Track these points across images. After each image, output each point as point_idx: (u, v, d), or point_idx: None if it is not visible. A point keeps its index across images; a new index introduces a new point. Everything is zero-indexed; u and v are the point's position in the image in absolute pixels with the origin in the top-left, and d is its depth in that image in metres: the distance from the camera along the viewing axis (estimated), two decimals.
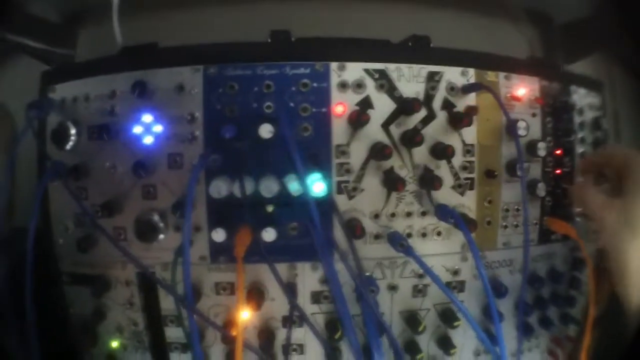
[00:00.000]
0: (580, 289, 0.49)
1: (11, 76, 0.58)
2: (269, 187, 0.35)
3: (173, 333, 0.40)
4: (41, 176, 0.41)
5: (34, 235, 0.37)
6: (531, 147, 0.42)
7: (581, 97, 0.49)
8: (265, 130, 0.35)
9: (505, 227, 0.42)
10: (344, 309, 0.35)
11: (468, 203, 0.40)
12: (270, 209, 0.36)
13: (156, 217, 0.37)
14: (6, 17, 0.42)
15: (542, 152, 0.42)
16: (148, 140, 0.38)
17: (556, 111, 0.45)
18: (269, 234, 0.36)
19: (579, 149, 0.48)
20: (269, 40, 0.39)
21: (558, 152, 0.45)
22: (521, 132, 0.41)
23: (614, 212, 0.35)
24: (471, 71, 0.40)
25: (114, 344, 0.42)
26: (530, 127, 0.41)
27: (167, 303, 0.40)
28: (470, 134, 0.40)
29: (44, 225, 0.42)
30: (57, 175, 0.37)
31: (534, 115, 0.43)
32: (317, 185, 0.35)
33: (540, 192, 0.42)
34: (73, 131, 0.39)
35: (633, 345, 0.37)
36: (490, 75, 0.41)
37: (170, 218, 0.38)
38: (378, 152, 0.36)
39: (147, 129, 0.37)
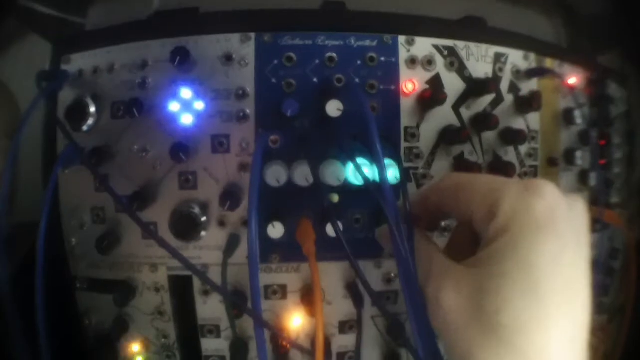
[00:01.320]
0: (614, 277, 0.45)
1: (15, 56, 0.47)
2: (335, 174, 0.28)
3: (211, 345, 0.31)
4: (48, 163, 0.32)
5: (44, 233, 0.27)
6: (584, 136, 0.38)
7: (614, 90, 0.45)
8: (334, 108, 0.27)
9: None
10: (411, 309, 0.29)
11: None
12: (335, 198, 0.29)
13: (197, 210, 0.28)
14: None
15: (594, 141, 0.38)
16: (187, 119, 0.29)
17: (599, 102, 0.41)
18: (332, 229, 0.28)
19: (615, 140, 0.44)
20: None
21: (602, 142, 0.41)
22: (578, 120, 0.36)
23: (457, 291, 0.18)
24: (532, 56, 0.35)
25: (139, 359, 0.33)
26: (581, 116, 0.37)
27: (205, 311, 0.31)
28: (534, 119, 0.34)
29: (51, 222, 0.32)
30: (75, 158, 0.27)
31: (582, 105, 0.39)
32: (390, 172, 0.28)
33: (592, 182, 0.38)
34: (92, 109, 0.29)
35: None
36: (548, 62, 0.36)
37: (213, 211, 0.29)
38: (452, 135, 0.30)
39: (186, 105, 0.29)
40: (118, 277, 0.31)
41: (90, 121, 0.29)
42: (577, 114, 0.36)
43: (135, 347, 0.32)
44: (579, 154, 0.36)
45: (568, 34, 0.51)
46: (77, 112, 0.29)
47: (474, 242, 0.20)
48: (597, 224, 0.40)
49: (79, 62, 0.31)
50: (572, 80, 0.38)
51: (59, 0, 0.33)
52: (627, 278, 0.41)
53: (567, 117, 0.36)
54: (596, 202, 0.39)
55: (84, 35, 0.34)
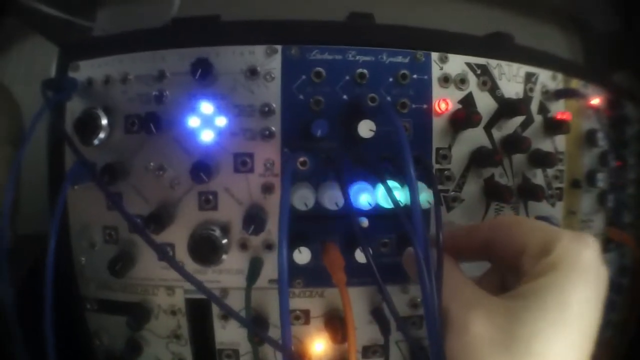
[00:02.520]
0: (622, 294, 0.43)
1: (17, 57, 0.42)
2: (365, 198, 0.24)
3: None
4: (54, 177, 0.27)
5: (54, 253, 0.23)
6: (603, 157, 0.35)
7: (630, 110, 0.43)
8: (366, 128, 0.23)
9: None
10: (434, 336, 0.25)
11: (557, 214, 0.31)
12: (365, 223, 0.25)
13: (218, 233, 0.25)
14: None
15: (612, 163, 0.35)
16: (207, 136, 0.25)
17: (616, 122, 0.38)
18: (360, 254, 0.25)
19: (630, 161, 0.42)
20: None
21: (618, 163, 0.39)
22: (601, 141, 0.34)
23: (489, 319, 0.17)
24: (559, 76, 0.32)
25: None
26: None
27: (223, 335, 0.27)
28: (560, 141, 0.31)
29: (59, 240, 0.28)
30: (85, 176, 0.23)
31: (602, 126, 0.36)
32: (422, 196, 0.25)
33: (610, 203, 0.36)
34: (104, 121, 0.25)
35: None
36: (574, 83, 0.33)
37: (233, 234, 0.26)
38: (484, 157, 0.26)
39: (207, 121, 0.25)
40: (131, 299, 0.27)
41: (102, 135, 0.25)
42: (600, 135, 0.33)
43: None
44: (600, 175, 0.33)
45: (584, 51, 0.48)
46: (88, 124, 0.25)
47: (502, 286, 0.21)
48: (611, 244, 0.37)
49: (89, 70, 0.26)
50: (596, 101, 0.35)
51: (65, 1, 0.28)
52: (633, 294, 0.39)
53: (590, 138, 0.33)
54: (612, 223, 0.37)
55: (95, 41, 0.30)
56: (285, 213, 0.19)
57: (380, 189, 0.24)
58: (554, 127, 0.29)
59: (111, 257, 0.25)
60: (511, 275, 0.20)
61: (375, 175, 0.23)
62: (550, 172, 0.30)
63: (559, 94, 0.31)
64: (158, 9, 0.27)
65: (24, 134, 0.27)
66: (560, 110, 0.31)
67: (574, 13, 0.44)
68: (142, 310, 0.27)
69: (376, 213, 0.25)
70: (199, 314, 0.27)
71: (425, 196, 0.24)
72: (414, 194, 0.21)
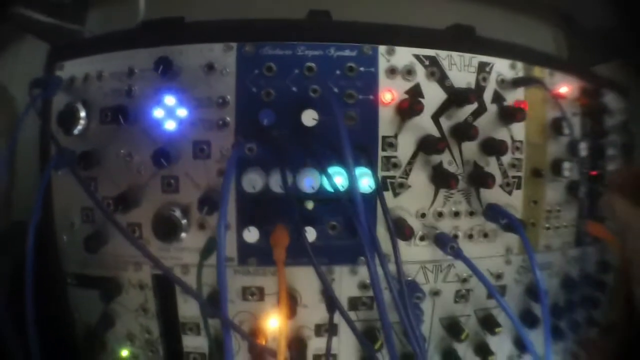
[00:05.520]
0: (605, 291, 0.44)
1: (13, 58, 0.49)
2: (310, 182, 0.28)
3: (191, 342, 0.32)
4: (44, 164, 0.33)
5: (34, 232, 0.29)
6: (572, 146, 0.37)
7: (611, 100, 0.44)
8: (309, 117, 0.27)
9: (548, 228, 0.36)
10: (386, 318, 0.29)
11: (514, 203, 0.34)
12: (310, 205, 0.29)
13: (178, 213, 0.29)
14: None
15: (583, 153, 0.37)
16: (170, 125, 0.30)
17: (592, 112, 0.40)
18: (309, 235, 0.29)
19: (610, 152, 0.43)
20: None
21: (594, 153, 0.40)
22: (566, 130, 0.36)
23: None
24: (519, 65, 0.34)
25: (124, 352, 0.34)
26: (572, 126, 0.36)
27: (185, 309, 0.32)
28: (518, 130, 0.34)
29: (46, 220, 0.34)
30: (63, 163, 0.29)
31: (574, 114, 0.38)
32: (364, 181, 0.29)
33: (580, 194, 0.38)
34: (83, 113, 0.31)
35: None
36: (537, 71, 0.36)
37: (193, 214, 0.30)
38: (430, 145, 0.30)
39: (170, 112, 0.30)
40: (105, 274, 0.32)
41: (81, 126, 0.31)
42: (566, 124, 0.35)
43: (125, 353, 0.34)
44: (566, 165, 0.35)
45: (568, 44, 0.50)
46: (68, 117, 0.30)
47: None
48: (587, 237, 0.39)
49: (71, 69, 0.32)
50: (563, 89, 0.38)
51: (55, 8, 0.34)
52: (618, 296, 0.40)
53: (555, 127, 0.36)
54: (588, 216, 0.39)
55: (77, 43, 0.36)
56: (226, 193, 0.24)
57: (326, 173, 0.28)
58: (508, 115, 0.32)
59: (86, 235, 0.30)
60: None
61: (317, 162, 0.27)
62: (506, 160, 0.33)
63: (517, 83, 0.33)
64: (131, 11, 0.32)
65: (17, 120, 0.33)
66: (519, 98, 0.34)
67: (560, 6, 0.46)
68: (113, 284, 0.32)
69: (324, 197, 0.29)
70: (164, 289, 0.32)
71: (369, 181, 0.28)
72: (351, 176, 0.25)
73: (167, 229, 0.29)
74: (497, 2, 0.46)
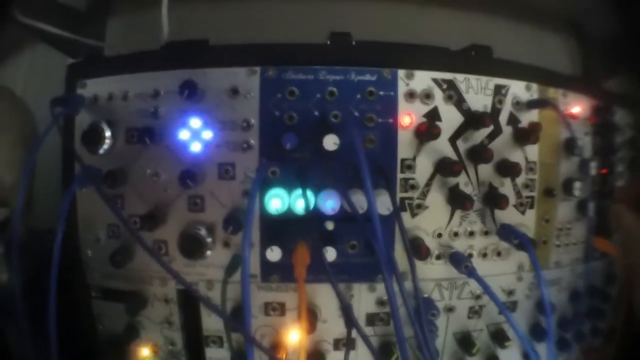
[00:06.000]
0: (610, 303, 0.46)
1: (27, 67, 0.50)
2: (331, 203, 0.30)
3: (214, 354, 0.34)
4: (67, 181, 0.34)
5: (60, 247, 0.30)
6: (583, 165, 0.38)
7: (620, 116, 0.45)
8: (330, 142, 0.29)
9: (558, 246, 0.37)
10: (401, 334, 0.30)
11: (527, 222, 0.35)
12: (331, 226, 0.31)
13: (203, 232, 0.31)
14: None
15: (593, 171, 0.38)
16: (195, 147, 0.31)
17: (603, 130, 0.41)
18: (329, 254, 0.30)
19: (619, 168, 0.44)
20: (329, 43, 0.33)
21: (604, 171, 0.42)
22: (578, 150, 0.37)
23: None
24: (534, 86, 0.35)
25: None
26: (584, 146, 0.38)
27: (209, 323, 0.33)
28: (532, 151, 0.35)
29: (68, 234, 0.35)
30: (89, 181, 0.30)
31: (586, 134, 0.39)
32: (381, 202, 0.30)
33: (590, 212, 0.39)
34: (108, 133, 0.32)
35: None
36: (551, 92, 0.37)
37: (218, 233, 0.32)
38: (446, 168, 0.31)
39: (195, 134, 0.31)
40: (130, 288, 0.34)
41: (106, 145, 0.32)
42: (579, 144, 0.37)
43: (145, 352, 0.35)
44: (577, 184, 0.37)
45: (581, 57, 0.51)
46: (93, 136, 0.31)
47: None
48: (595, 253, 0.40)
49: (94, 87, 0.33)
50: (576, 109, 0.39)
51: (71, 21, 0.34)
52: (620, 304, 0.42)
53: (568, 147, 0.37)
54: (596, 232, 0.40)
55: (99, 61, 0.37)
56: (250, 214, 0.25)
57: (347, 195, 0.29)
58: (522, 137, 0.33)
59: (113, 250, 0.32)
60: None
61: (337, 185, 0.28)
62: (520, 180, 0.34)
63: (531, 105, 0.34)
64: (155, 31, 0.33)
65: (37, 138, 0.34)
66: (533, 120, 0.35)
67: (572, 19, 0.47)
68: (138, 298, 0.33)
69: (345, 217, 0.31)
70: (188, 303, 0.33)
71: (386, 202, 0.29)
72: (370, 201, 0.26)
73: (192, 247, 0.30)
74: (510, 15, 0.47)
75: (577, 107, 0.38)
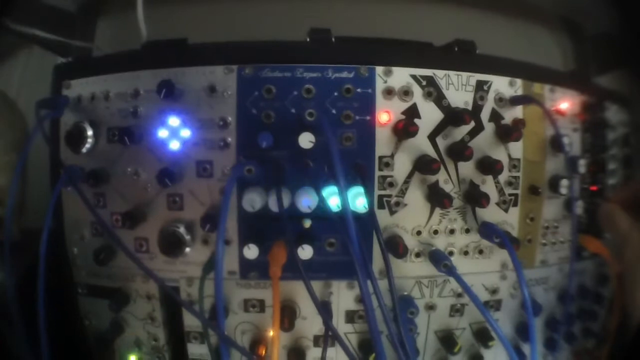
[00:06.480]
0: (603, 304, 0.45)
1: (22, 69, 0.51)
2: (307, 201, 0.30)
3: (196, 349, 0.35)
4: (54, 181, 0.35)
5: (46, 244, 0.31)
6: (572, 163, 0.38)
7: (613, 113, 0.44)
8: (306, 140, 0.29)
9: (544, 244, 0.37)
10: (376, 334, 0.30)
11: (511, 220, 0.35)
12: (307, 224, 0.31)
13: (182, 229, 0.31)
14: (14, 4, 0.35)
15: (582, 169, 0.38)
16: (174, 145, 0.32)
17: (593, 127, 0.41)
18: (305, 252, 0.30)
19: (611, 166, 0.44)
20: (308, 40, 0.33)
21: (594, 169, 0.41)
22: (566, 147, 0.36)
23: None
24: (518, 82, 0.35)
25: (132, 358, 0.37)
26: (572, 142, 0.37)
27: (190, 319, 0.34)
28: (516, 148, 0.35)
29: (57, 232, 0.36)
30: (71, 181, 0.31)
31: (574, 130, 0.39)
32: (359, 200, 0.30)
33: (578, 210, 0.38)
34: (90, 132, 0.33)
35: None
36: (537, 87, 0.36)
37: (197, 230, 0.32)
38: (425, 165, 0.31)
39: (174, 133, 0.32)
40: (114, 285, 0.34)
41: (88, 145, 0.33)
42: (566, 141, 0.36)
43: (130, 347, 0.36)
44: (564, 182, 0.36)
45: (573, 51, 0.50)
46: (76, 136, 0.32)
47: None
48: (585, 252, 0.40)
49: (78, 88, 0.34)
50: (564, 105, 0.38)
51: (62, 24, 0.36)
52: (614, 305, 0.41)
53: (554, 144, 0.36)
54: (585, 231, 0.40)
55: (83, 62, 0.38)
56: (224, 212, 0.26)
57: (322, 193, 0.30)
58: (504, 134, 0.33)
59: (96, 248, 0.32)
60: None
61: (313, 183, 0.29)
62: (502, 178, 0.34)
63: (514, 101, 0.34)
64: (136, 29, 0.34)
65: (26, 139, 0.35)
66: (518, 116, 0.35)
67: (565, 14, 0.46)
68: (122, 295, 0.34)
69: (322, 215, 0.31)
70: (170, 300, 0.34)
71: (362, 201, 0.29)
72: (343, 197, 0.26)
73: (171, 245, 0.31)
74: (500, 10, 0.47)
75: (565, 103, 0.38)
